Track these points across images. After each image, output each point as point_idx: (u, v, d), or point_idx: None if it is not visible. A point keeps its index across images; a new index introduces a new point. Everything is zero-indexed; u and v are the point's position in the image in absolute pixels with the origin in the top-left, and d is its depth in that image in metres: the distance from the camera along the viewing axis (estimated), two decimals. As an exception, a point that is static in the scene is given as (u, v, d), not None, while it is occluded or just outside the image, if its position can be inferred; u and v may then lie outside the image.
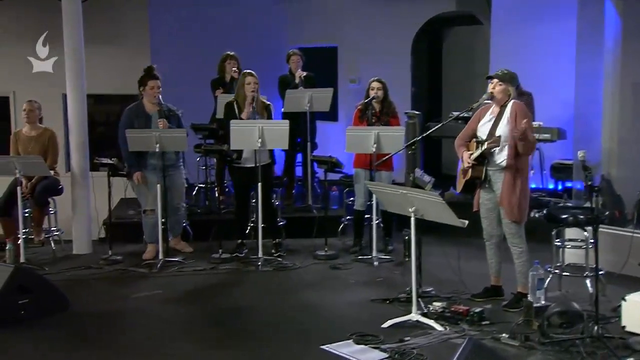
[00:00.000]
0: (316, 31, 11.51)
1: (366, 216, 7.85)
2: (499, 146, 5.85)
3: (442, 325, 5.54)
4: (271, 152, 7.76)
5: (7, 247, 7.31)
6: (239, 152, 7.51)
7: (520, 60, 9.21)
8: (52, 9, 8.60)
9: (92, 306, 6.33)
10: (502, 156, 5.90)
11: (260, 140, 7.19)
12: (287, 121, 7.35)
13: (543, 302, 5.67)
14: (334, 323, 5.74)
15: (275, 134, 7.26)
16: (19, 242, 7.49)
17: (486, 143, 5.87)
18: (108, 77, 10.36)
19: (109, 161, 7.55)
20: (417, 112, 8.69)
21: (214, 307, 6.29)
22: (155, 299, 6.48)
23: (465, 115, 8.05)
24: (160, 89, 7.60)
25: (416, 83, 11.58)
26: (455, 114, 6.78)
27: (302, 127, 8.78)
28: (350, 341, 5.26)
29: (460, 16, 11.50)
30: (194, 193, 9.47)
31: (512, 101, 5.96)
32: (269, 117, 7.69)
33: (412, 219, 5.59)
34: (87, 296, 6.63)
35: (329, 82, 10.98)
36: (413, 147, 6.21)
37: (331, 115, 10.63)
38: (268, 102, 7.79)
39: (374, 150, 7.28)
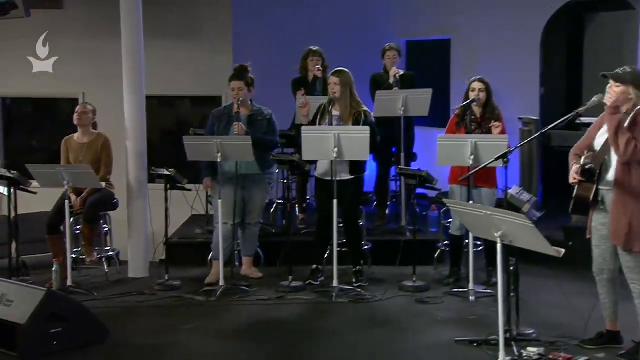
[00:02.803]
0: (426, 21, 11.42)
1: (466, 241, 7.69)
2: (592, 164, 5.59)
3: (534, 376, 5.37)
4: (356, 164, 7.67)
5: (53, 269, 7.61)
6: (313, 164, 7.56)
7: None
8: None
9: (135, 338, 6.51)
10: (613, 172, 5.65)
11: (336, 149, 7.18)
12: (367, 128, 7.29)
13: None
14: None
15: (354, 142, 7.23)
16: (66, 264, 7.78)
17: (582, 157, 5.63)
18: (184, 77, 10.70)
19: (166, 172, 7.74)
20: (533, 118, 8.45)
21: (273, 343, 6.33)
22: (207, 332, 6.58)
23: (587, 121, 7.82)
24: (243, 90, 7.83)
25: (547, 82, 11.25)
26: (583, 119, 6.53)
27: (397, 135, 8.72)
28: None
29: (607, -1, 11.13)
30: (271, 210, 9.57)
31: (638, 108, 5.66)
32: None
33: (499, 245, 5.44)
34: (131, 326, 6.82)
35: (441, 80, 10.91)
36: (505, 159, 6.02)
37: (440, 120, 10.48)
38: (361, 110, 7.67)
39: (471, 162, 7.12)
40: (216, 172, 7.75)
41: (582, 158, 5.63)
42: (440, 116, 9.84)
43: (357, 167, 7.62)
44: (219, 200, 7.57)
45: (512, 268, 6.99)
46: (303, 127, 7.36)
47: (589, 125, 8.18)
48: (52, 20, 11.04)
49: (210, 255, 8.11)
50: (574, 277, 6.72)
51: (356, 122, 7.54)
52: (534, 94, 10.88)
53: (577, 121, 8.00)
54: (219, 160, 7.42)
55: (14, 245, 8.09)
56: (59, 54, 11.15)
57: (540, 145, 9.11)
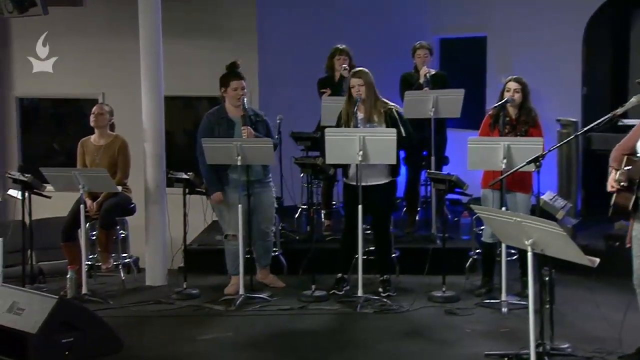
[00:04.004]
0: (460, 18, 11.35)
1: (499, 250, 7.63)
2: (625, 182, 5.56)
3: (566, 392, 5.33)
4: (394, 167, 7.66)
5: (67, 276, 7.68)
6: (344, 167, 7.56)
7: None
8: None
9: (150, 349, 6.55)
10: None
11: (361, 152, 7.17)
12: (393, 130, 7.27)
13: None
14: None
15: (380, 145, 7.21)
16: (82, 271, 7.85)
17: (618, 172, 5.63)
18: (208, 77, 10.73)
19: (185, 176, 7.78)
20: (572, 120, 8.37)
21: (293, 355, 6.35)
22: (225, 343, 6.61)
23: (630, 123, 7.73)
24: (244, 89, 7.75)
25: (590, 82, 11.13)
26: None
27: (427, 137, 8.70)
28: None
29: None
30: (296, 216, 9.58)
31: None
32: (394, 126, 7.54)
33: (529, 254, 5.40)
34: (147, 336, 6.88)
35: (476, 80, 10.85)
36: (537, 163, 5.97)
37: (475, 121, 10.40)
38: (390, 107, 7.66)
39: (503, 166, 7.07)
40: (223, 182, 7.78)
41: (617, 173, 5.56)
42: (475, 117, 9.78)
43: (395, 168, 7.63)
44: (239, 206, 7.54)
45: (546, 278, 6.96)
46: (327, 130, 7.35)
47: (632, 127, 8.13)
48: (72, 18, 11.18)
49: (227, 267, 8.08)
50: (614, 288, 6.62)
51: (391, 119, 7.52)
52: (575, 94, 10.75)
53: (620, 123, 7.89)
54: (238, 163, 7.42)
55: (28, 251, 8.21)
56: (78, 54, 11.33)
57: (581, 149, 9.02)
